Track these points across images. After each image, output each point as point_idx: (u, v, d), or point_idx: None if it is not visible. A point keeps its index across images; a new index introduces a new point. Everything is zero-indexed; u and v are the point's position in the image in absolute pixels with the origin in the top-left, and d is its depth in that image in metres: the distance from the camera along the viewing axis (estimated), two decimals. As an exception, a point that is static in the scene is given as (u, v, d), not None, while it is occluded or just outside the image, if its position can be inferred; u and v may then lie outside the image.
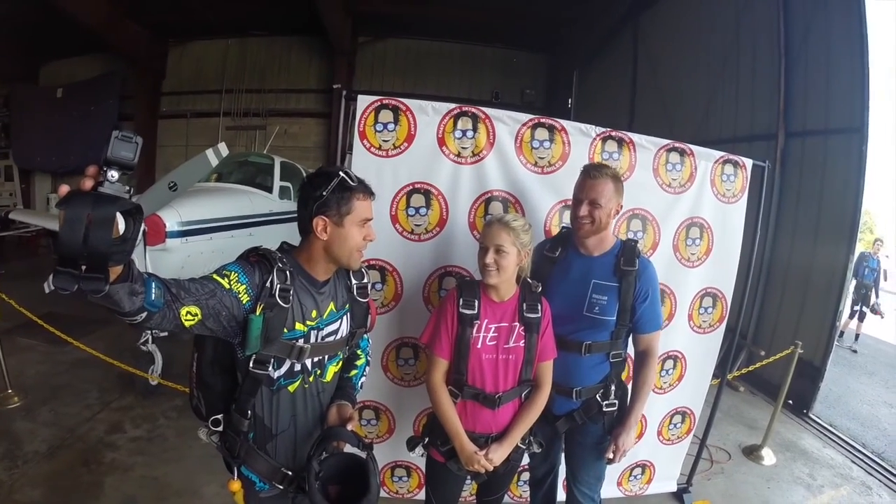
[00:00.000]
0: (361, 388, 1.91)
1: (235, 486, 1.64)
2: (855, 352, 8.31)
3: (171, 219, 4.15)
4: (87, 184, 0.92)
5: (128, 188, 0.95)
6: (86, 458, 3.40)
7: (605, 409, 2.21)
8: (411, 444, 2.16)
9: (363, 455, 1.57)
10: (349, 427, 1.60)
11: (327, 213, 1.53)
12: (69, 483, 3.14)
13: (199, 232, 4.42)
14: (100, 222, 0.89)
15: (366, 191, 1.58)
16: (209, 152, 3.60)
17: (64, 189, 0.92)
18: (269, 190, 6.06)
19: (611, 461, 2.16)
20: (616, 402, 2.23)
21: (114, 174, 0.93)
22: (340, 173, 1.54)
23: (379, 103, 2.47)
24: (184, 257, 4.22)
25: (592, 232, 2.12)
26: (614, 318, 2.12)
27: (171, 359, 4.40)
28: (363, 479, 1.51)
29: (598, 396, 2.22)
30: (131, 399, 4.24)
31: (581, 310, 2.13)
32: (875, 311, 8.51)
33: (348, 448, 1.60)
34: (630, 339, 2.26)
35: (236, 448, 1.61)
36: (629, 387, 2.27)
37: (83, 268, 0.92)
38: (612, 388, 2.22)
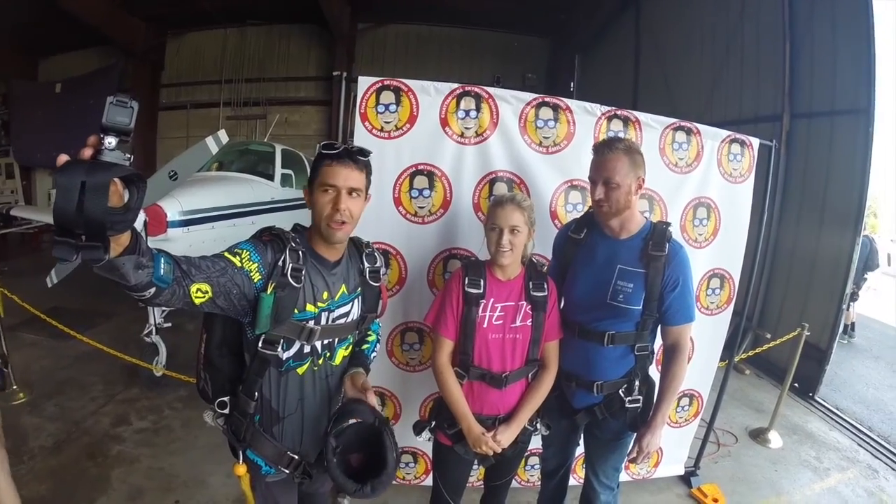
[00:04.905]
0: (374, 359, 1.91)
1: (241, 469, 1.63)
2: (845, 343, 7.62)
3: (173, 208, 4.13)
4: (87, 152, 0.91)
5: (127, 155, 0.93)
6: (92, 451, 3.39)
7: (627, 405, 2.07)
8: (418, 429, 2.14)
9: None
10: (368, 395, 1.60)
11: (310, 182, 1.57)
12: (76, 477, 3.14)
13: (200, 221, 4.41)
14: (94, 189, 0.87)
15: (337, 157, 1.53)
16: (209, 140, 3.56)
17: (62, 158, 0.90)
18: (271, 178, 6.03)
19: (633, 461, 2.06)
20: (640, 398, 2.08)
21: (111, 141, 0.91)
22: (319, 143, 1.56)
23: (380, 84, 2.43)
24: (186, 247, 4.19)
25: (613, 214, 1.98)
26: (640, 307, 1.97)
27: (176, 350, 4.39)
28: (381, 449, 1.51)
29: (620, 392, 2.08)
30: (136, 391, 4.23)
31: (604, 297, 1.99)
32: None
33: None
34: (658, 331, 2.11)
35: (242, 431, 1.60)
36: (656, 382, 2.13)
37: (83, 237, 0.89)
38: (637, 383, 2.07)
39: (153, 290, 1.16)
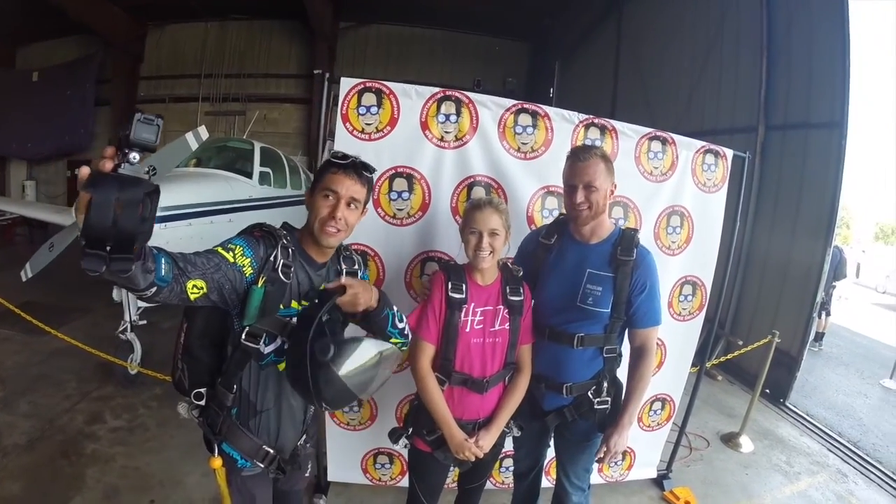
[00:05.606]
0: (401, 329, 1.78)
1: (216, 462, 1.64)
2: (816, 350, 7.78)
3: (150, 204, 4.06)
4: (108, 165, 0.93)
5: (146, 169, 0.97)
6: (66, 449, 3.34)
7: (596, 406, 2.11)
8: (394, 437, 2.13)
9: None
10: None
11: (313, 185, 1.62)
12: (50, 475, 3.09)
13: (178, 217, 4.34)
14: (127, 204, 0.92)
15: (342, 167, 1.58)
16: (189, 136, 3.52)
17: (85, 171, 0.93)
18: (249, 175, 5.95)
19: (600, 460, 2.10)
20: (608, 399, 2.13)
21: (135, 156, 0.95)
22: (328, 151, 1.59)
23: (362, 86, 2.45)
24: (162, 243, 4.02)
25: (592, 217, 2.03)
26: (608, 310, 2.03)
27: (151, 348, 4.35)
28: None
29: (589, 393, 2.11)
30: (111, 389, 4.17)
31: (574, 300, 2.05)
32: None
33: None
34: (626, 334, 2.16)
35: (218, 423, 1.62)
36: (623, 383, 2.17)
37: (108, 249, 0.93)
38: (605, 385, 2.12)
39: (154, 289, 1.21)
